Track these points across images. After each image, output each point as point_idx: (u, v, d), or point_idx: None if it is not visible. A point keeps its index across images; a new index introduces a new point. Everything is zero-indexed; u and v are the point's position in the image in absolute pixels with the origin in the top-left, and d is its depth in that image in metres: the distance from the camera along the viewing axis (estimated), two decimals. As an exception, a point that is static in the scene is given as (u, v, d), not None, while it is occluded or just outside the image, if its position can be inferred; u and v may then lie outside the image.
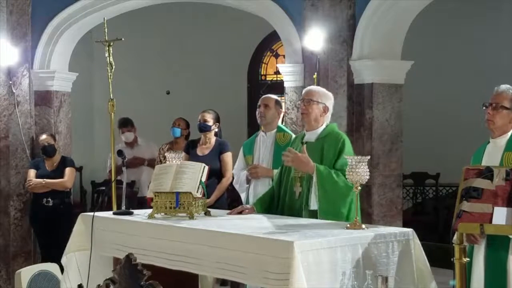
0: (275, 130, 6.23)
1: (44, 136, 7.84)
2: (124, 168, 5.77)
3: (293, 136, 5.81)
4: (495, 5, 11.30)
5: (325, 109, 5.08)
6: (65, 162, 7.82)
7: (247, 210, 5.11)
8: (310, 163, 4.82)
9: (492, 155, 4.46)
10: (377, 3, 7.38)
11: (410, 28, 7.74)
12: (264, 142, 6.25)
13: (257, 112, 6.27)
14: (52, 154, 7.77)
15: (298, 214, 4.92)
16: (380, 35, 7.54)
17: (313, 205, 4.82)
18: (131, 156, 8.33)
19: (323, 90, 5.25)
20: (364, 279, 3.88)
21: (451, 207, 9.19)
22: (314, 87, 5.39)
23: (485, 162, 4.42)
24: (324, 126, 5.09)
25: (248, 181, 6.29)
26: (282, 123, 6.58)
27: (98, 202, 11.26)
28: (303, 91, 5.27)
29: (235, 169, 6.55)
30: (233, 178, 6.69)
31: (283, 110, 6.78)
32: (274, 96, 6.37)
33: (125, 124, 8.72)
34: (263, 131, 6.29)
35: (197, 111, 7.10)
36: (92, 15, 8.44)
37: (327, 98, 5.12)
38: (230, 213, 5.16)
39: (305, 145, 4.91)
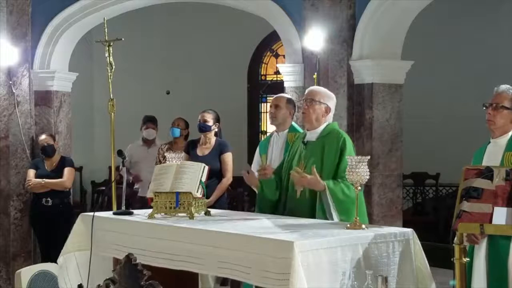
0: (287, 130, 6.19)
1: (43, 136, 7.84)
2: (124, 169, 5.76)
3: None
4: (495, 5, 11.30)
5: (327, 110, 5.08)
6: (64, 162, 7.82)
7: (266, 170, 5.11)
8: (320, 183, 4.77)
9: (492, 155, 4.46)
10: (377, 3, 7.38)
11: (410, 28, 7.74)
12: (276, 142, 6.19)
13: (268, 114, 6.27)
14: (51, 154, 7.77)
15: (299, 212, 4.91)
16: (380, 35, 7.54)
17: (335, 218, 4.79)
18: (145, 154, 8.38)
19: (326, 90, 5.25)
20: (364, 279, 3.87)
21: (451, 207, 9.17)
22: (316, 87, 5.41)
23: (486, 162, 4.41)
24: (325, 125, 5.08)
25: None
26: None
27: (98, 202, 11.29)
28: (306, 91, 5.28)
29: (252, 168, 6.51)
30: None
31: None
32: (286, 95, 6.31)
33: (152, 120, 8.63)
34: (276, 131, 6.27)
35: (197, 111, 7.10)
36: (92, 15, 8.43)
37: (329, 98, 5.12)
38: (249, 176, 5.20)
39: (314, 166, 4.82)
